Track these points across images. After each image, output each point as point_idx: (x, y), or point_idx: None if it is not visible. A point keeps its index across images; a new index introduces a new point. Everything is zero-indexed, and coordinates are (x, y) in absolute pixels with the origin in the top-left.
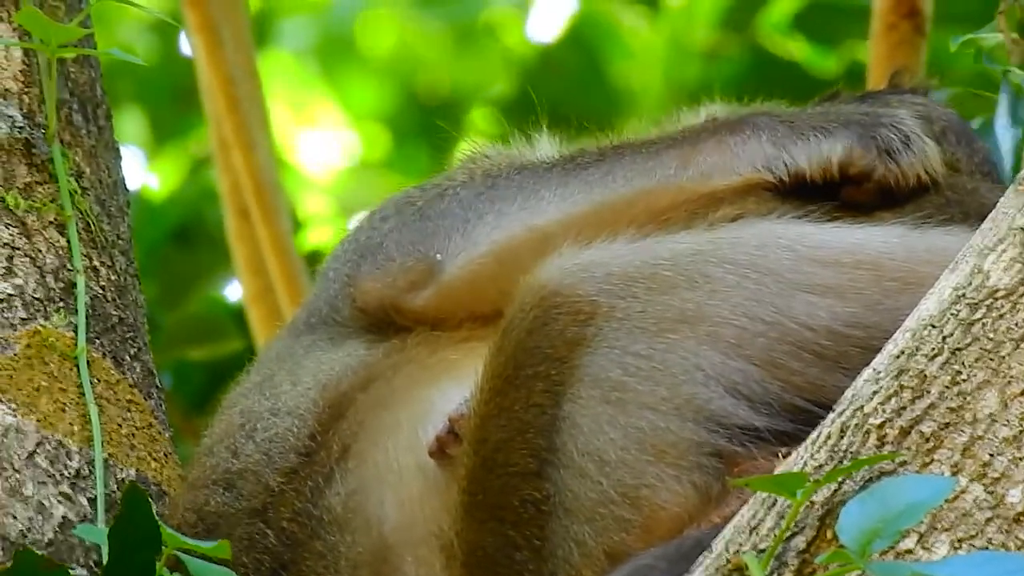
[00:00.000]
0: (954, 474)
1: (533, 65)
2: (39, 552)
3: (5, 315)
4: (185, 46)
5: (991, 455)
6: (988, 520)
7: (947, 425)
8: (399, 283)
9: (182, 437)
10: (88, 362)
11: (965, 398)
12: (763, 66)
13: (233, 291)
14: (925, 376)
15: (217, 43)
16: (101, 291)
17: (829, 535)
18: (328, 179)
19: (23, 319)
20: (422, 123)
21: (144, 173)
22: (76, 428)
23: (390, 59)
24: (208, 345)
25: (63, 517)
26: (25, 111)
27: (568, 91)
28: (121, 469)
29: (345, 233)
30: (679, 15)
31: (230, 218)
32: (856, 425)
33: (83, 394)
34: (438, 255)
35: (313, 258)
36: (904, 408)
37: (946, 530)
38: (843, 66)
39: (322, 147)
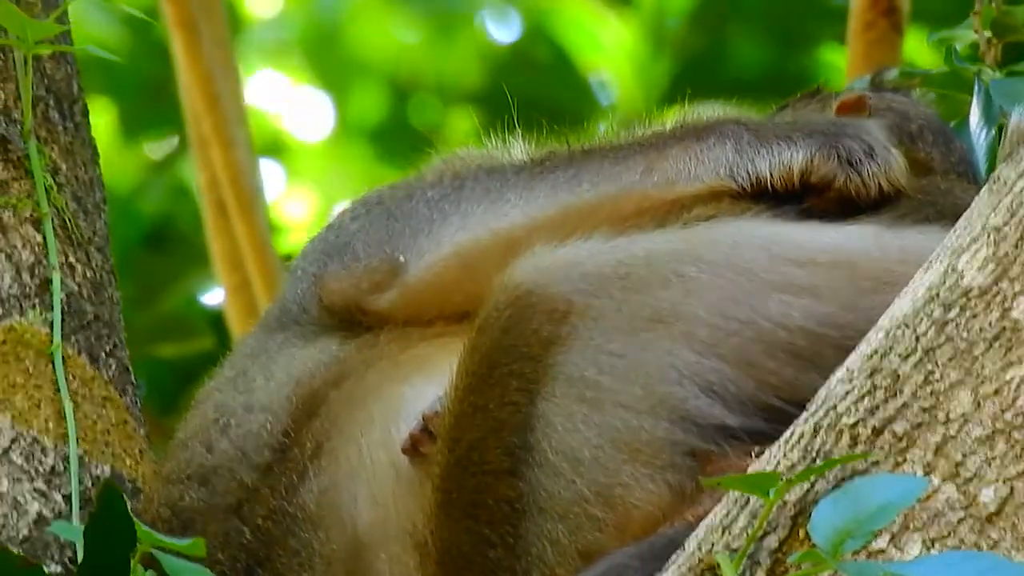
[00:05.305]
0: (927, 474)
1: (505, 60)
2: (14, 550)
3: None
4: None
5: (964, 455)
6: (960, 520)
7: (920, 425)
8: (363, 284)
9: (154, 437)
10: (63, 359)
11: (938, 398)
12: (730, 61)
13: (209, 295)
14: (898, 376)
15: (196, 39)
16: (77, 288)
17: (801, 534)
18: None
19: None
20: (405, 117)
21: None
22: (51, 425)
23: (374, 52)
24: (179, 343)
25: (38, 514)
26: (1, 107)
27: (539, 84)
28: (96, 466)
29: (317, 230)
30: (649, 7)
31: (208, 213)
32: (829, 424)
33: (58, 391)
34: (402, 256)
35: (291, 256)
36: (877, 408)
37: (918, 530)
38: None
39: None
